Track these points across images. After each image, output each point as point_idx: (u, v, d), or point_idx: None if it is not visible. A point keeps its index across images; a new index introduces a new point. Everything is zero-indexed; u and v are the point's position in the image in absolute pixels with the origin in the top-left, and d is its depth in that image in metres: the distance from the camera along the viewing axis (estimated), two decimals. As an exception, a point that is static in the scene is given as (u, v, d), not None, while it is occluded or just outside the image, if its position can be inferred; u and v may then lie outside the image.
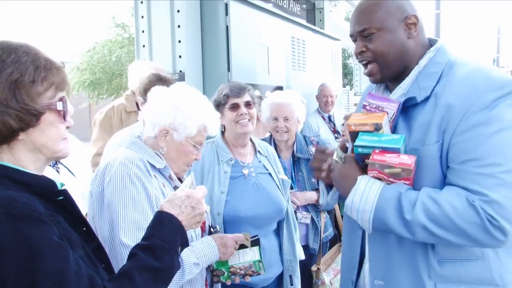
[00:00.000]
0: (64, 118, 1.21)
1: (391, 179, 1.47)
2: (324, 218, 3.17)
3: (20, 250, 0.98)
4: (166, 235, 1.26)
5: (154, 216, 1.34)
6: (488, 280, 1.48)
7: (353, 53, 1.66)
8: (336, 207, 3.44)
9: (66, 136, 1.24)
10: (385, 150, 1.47)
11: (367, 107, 1.59)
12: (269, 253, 2.42)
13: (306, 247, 3.03)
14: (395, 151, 1.45)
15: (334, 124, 5.52)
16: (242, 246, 1.99)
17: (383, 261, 1.60)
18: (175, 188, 1.87)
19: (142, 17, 4.30)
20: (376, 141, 1.48)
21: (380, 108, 1.56)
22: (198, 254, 1.79)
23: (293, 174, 3.10)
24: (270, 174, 2.51)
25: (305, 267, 2.96)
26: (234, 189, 2.38)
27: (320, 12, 7.66)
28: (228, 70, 4.30)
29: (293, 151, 3.16)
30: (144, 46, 4.31)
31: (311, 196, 3.04)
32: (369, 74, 1.66)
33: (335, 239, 3.40)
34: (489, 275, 1.48)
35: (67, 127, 1.23)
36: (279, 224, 2.53)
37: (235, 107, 2.51)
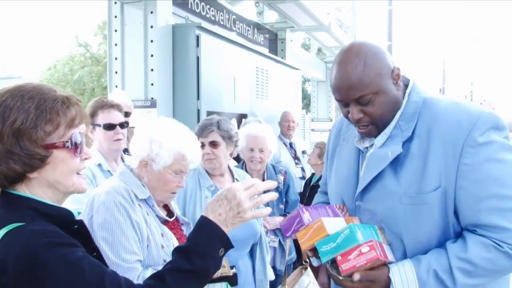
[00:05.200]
0: (78, 151, 1.27)
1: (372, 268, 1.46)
2: (288, 242, 3.40)
3: (61, 269, 1.13)
4: (200, 239, 1.33)
5: (198, 220, 1.39)
6: None
7: (350, 118, 1.59)
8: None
9: (81, 170, 1.31)
10: (347, 252, 1.44)
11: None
12: (244, 273, 2.59)
13: (273, 268, 3.23)
14: (356, 246, 1.43)
15: (295, 151, 5.80)
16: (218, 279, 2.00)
17: None
18: (158, 217, 2.02)
19: (116, 44, 4.45)
20: (336, 248, 1.45)
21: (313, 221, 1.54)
22: None
23: (264, 201, 3.33)
24: None
25: (272, 287, 3.16)
26: None
27: (282, 42, 8.03)
28: (198, 98, 4.50)
29: (263, 179, 3.38)
30: (116, 72, 4.46)
31: (279, 221, 3.28)
32: (366, 134, 1.61)
33: (295, 262, 3.65)
34: None
35: (85, 159, 1.31)
36: (253, 247, 2.73)
37: (202, 146, 2.65)
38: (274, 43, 7.94)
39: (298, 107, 7.67)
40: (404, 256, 1.54)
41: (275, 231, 3.31)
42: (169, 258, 1.93)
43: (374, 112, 1.53)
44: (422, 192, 1.47)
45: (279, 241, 3.30)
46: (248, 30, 6.89)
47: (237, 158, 3.85)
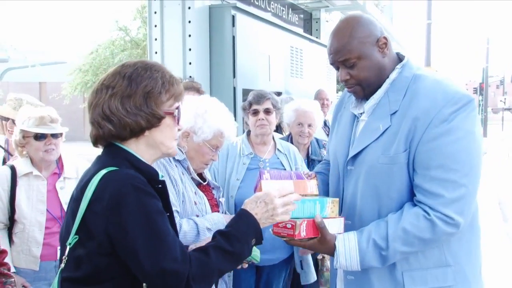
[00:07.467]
0: (178, 122, 1.54)
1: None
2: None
3: (139, 213, 1.35)
4: (240, 227, 1.53)
5: (238, 211, 1.61)
6: (443, 263, 1.73)
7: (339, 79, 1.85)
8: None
9: (177, 137, 1.58)
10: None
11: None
12: (273, 238, 2.76)
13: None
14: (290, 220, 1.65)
15: (329, 128, 5.89)
16: None
17: None
18: (193, 178, 2.24)
19: (156, 26, 4.65)
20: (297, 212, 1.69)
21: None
22: (211, 222, 2.15)
23: (307, 173, 3.50)
24: (285, 169, 2.90)
25: (312, 256, 3.32)
26: (248, 178, 2.78)
27: (316, 22, 8.07)
28: (234, 76, 4.67)
29: (308, 153, 3.55)
30: (156, 52, 4.66)
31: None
32: (353, 93, 1.85)
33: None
34: (443, 258, 1.73)
35: (179, 130, 1.58)
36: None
37: (255, 113, 2.98)
38: (308, 23, 7.98)
39: (332, 87, 7.73)
40: (378, 212, 1.75)
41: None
42: (201, 214, 2.15)
43: (357, 75, 1.76)
44: (395, 153, 1.69)
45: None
46: (283, 10, 6.97)
47: (276, 129, 3.98)
